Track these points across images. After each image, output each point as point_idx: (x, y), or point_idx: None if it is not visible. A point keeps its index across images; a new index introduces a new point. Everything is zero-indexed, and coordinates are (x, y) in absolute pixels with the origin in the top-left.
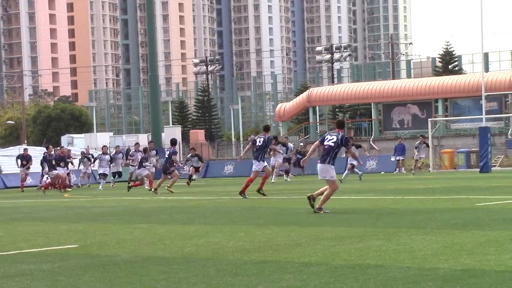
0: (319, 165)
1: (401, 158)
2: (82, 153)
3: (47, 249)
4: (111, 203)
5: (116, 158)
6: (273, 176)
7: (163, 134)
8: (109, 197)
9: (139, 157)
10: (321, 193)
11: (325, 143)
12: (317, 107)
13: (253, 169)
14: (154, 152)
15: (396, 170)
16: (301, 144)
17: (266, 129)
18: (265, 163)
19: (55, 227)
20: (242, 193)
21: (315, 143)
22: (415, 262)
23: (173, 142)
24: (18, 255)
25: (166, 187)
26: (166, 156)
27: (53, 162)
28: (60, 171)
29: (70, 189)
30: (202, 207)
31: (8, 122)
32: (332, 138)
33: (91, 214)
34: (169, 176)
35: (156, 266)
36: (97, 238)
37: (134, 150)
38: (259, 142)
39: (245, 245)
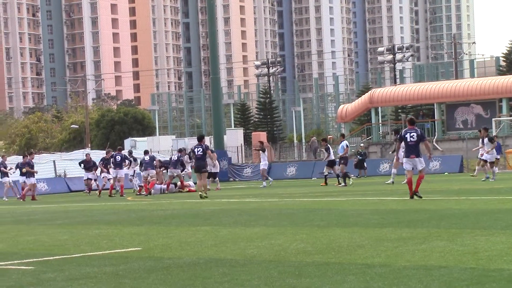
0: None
1: (497, 156)
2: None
3: (111, 252)
4: (174, 205)
5: None
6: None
7: (225, 137)
8: (172, 200)
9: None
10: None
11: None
12: (379, 108)
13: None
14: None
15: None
16: (362, 145)
17: (200, 139)
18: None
19: (118, 230)
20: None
21: None
22: (480, 263)
23: (200, 138)
24: (82, 258)
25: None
26: (200, 153)
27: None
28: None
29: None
30: (264, 209)
31: (72, 126)
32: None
33: (154, 217)
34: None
35: (218, 268)
36: (160, 240)
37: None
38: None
39: (307, 247)
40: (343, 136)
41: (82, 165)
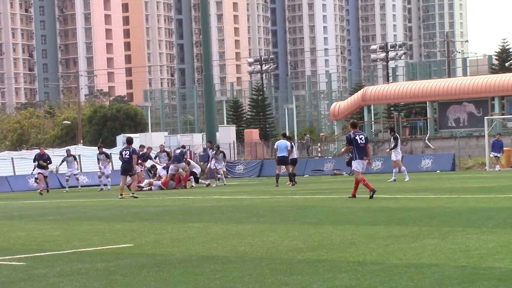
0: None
1: (498, 154)
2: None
3: (102, 248)
4: (166, 202)
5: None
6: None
7: (217, 134)
8: (164, 196)
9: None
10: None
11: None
12: (372, 105)
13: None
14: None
15: (495, 167)
16: None
17: (130, 142)
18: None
19: (110, 227)
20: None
21: None
22: (471, 261)
23: (129, 141)
24: (74, 254)
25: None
26: (127, 156)
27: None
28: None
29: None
30: (256, 206)
31: (64, 122)
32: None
33: (146, 214)
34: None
35: (210, 265)
36: (151, 237)
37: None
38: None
39: (299, 244)
40: (283, 135)
41: (37, 162)
